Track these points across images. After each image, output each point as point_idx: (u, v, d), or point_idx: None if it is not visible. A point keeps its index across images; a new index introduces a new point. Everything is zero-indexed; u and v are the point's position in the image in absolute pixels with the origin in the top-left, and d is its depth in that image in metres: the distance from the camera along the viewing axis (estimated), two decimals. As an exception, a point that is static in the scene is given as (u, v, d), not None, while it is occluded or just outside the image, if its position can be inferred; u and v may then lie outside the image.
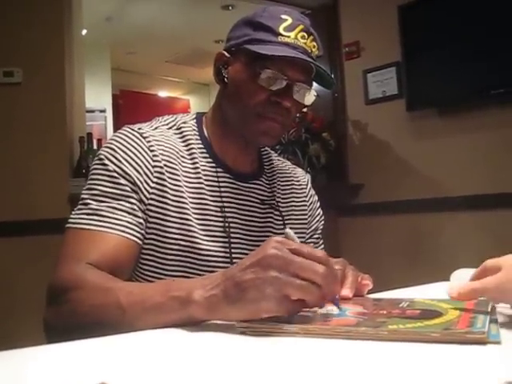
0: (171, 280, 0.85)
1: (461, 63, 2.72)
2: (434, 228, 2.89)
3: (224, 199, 1.00)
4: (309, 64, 0.95)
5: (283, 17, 0.95)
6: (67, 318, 0.78)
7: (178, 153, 0.98)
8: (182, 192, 0.95)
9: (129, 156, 0.93)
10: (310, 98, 0.99)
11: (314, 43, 0.97)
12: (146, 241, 0.93)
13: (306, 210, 1.15)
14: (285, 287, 0.63)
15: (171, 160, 0.97)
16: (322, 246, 1.20)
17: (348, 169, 3.34)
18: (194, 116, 1.07)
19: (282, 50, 0.92)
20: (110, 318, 0.72)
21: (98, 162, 0.94)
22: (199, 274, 0.92)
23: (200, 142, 1.02)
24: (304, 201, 1.16)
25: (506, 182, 2.61)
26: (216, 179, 1.01)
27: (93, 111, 4.18)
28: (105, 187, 0.91)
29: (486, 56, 2.62)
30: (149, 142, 0.96)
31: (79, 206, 0.91)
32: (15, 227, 2.41)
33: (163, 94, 7.34)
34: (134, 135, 0.96)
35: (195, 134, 1.03)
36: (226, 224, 0.99)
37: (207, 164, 1.01)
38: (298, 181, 1.17)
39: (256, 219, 1.04)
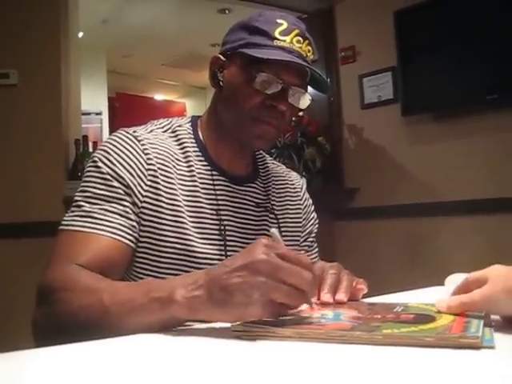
0: (153, 280, 0.84)
1: (456, 68, 2.73)
2: (430, 232, 2.89)
3: (219, 202, 1.00)
4: (304, 68, 0.96)
5: (279, 21, 0.96)
6: (56, 318, 0.78)
7: (172, 156, 0.98)
8: (176, 195, 0.95)
9: (122, 159, 0.93)
10: (304, 101, 0.99)
11: (310, 47, 0.98)
12: (141, 244, 0.92)
13: (300, 213, 1.15)
14: (272, 292, 0.64)
15: (166, 163, 0.96)
16: (316, 250, 1.20)
17: (343, 173, 3.34)
18: (189, 119, 1.07)
19: (277, 54, 0.92)
20: (94, 319, 0.73)
21: (91, 164, 0.94)
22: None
23: (195, 145, 1.02)
24: (299, 204, 1.16)
25: (502, 186, 2.61)
26: (211, 182, 1.00)
27: (88, 114, 4.16)
28: (98, 189, 0.91)
29: (482, 61, 2.63)
30: (143, 145, 0.95)
31: (72, 208, 0.91)
32: (10, 229, 2.40)
33: (159, 97, 7.33)
34: (128, 138, 0.96)
35: (190, 138, 1.03)
36: (222, 227, 0.98)
37: (202, 167, 1.01)
38: (293, 184, 1.17)
39: (251, 222, 1.04)
